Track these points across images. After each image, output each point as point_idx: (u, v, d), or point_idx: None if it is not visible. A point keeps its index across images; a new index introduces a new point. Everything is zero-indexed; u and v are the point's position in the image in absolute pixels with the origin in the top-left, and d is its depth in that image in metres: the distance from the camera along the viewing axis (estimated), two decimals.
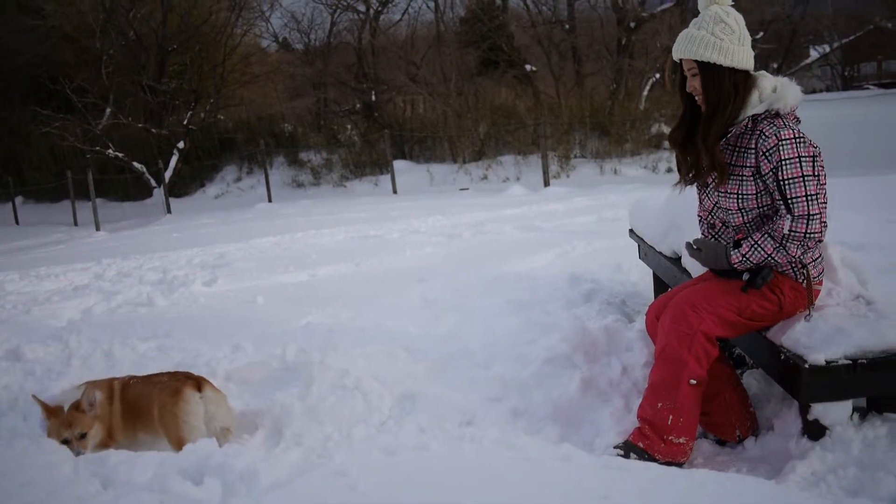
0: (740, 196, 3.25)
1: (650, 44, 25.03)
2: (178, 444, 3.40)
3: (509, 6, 28.35)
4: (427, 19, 31.21)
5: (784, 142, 3.09)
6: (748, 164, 3.21)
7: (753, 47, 3.29)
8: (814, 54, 48.47)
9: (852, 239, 3.83)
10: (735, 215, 3.30)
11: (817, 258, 3.31)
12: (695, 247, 3.46)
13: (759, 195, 3.22)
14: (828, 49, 47.33)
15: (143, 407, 3.64)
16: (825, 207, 3.14)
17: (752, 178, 3.21)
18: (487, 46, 26.93)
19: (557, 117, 22.18)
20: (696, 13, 3.32)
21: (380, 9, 28.44)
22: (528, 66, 25.92)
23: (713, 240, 3.43)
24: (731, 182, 3.27)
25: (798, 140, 3.10)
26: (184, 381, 3.64)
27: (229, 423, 3.70)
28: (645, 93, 24.20)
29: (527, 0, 26.07)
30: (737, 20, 3.23)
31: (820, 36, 46.21)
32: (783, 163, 3.08)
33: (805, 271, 3.25)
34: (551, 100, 24.62)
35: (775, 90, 3.23)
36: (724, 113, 3.22)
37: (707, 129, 3.26)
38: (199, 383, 3.67)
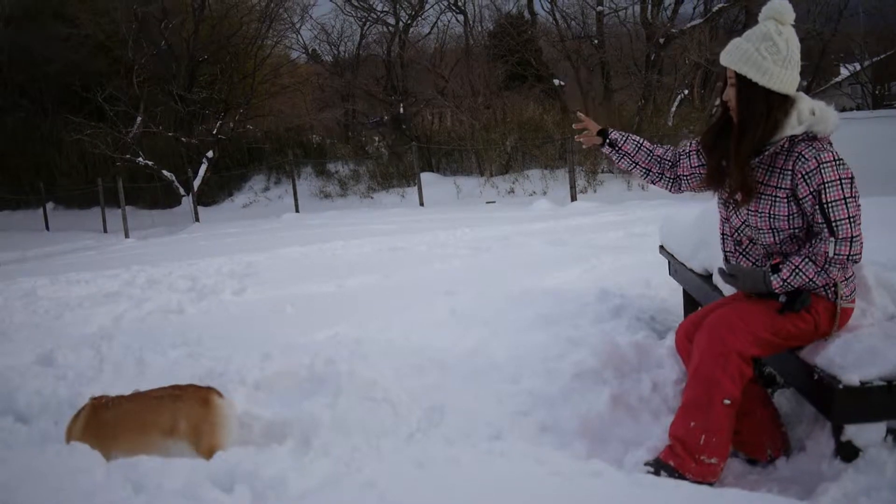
0: (772, 216, 3.22)
1: (679, 60, 24.90)
2: (210, 453, 3.35)
3: (538, 21, 28.37)
4: (456, 33, 31.29)
5: (825, 164, 3.06)
6: (783, 186, 3.18)
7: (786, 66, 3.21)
8: (844, 72, 48.06)
9: (886, 259, 3.79)
10: (766, 235, 3.27)
11: (850, 276, 3.28)
12: (730, 273, 3.42)
13: (791, 217, 3.19)
14: (858, 67, 46.90)
15: (145, 423, 3.48)
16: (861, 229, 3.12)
17: (785, 200, 3.18)
18: (516, 61, 26.94)
19: None
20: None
21: (409, 22, 28.58)
22: (556, 81, 25.90)
23: (749, 265, 3.38)
24: (762, 201, 3.23)
25: (838, 163, 3.07)
26: (207, 391, 3.57)
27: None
28: (673, 109, 24.08)
29: (556, 15, 26.06)
30: (787, 41, 3.15)
31: (851, 54, 45.84)
32: (825, 185, 3.05)
33: (836, 289, 3.22)
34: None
35: (814, 113, 3.17)
36: (753, 132, 3.17)
37: (738, 143, 3.22)
38: (216, 392, 3.60)
